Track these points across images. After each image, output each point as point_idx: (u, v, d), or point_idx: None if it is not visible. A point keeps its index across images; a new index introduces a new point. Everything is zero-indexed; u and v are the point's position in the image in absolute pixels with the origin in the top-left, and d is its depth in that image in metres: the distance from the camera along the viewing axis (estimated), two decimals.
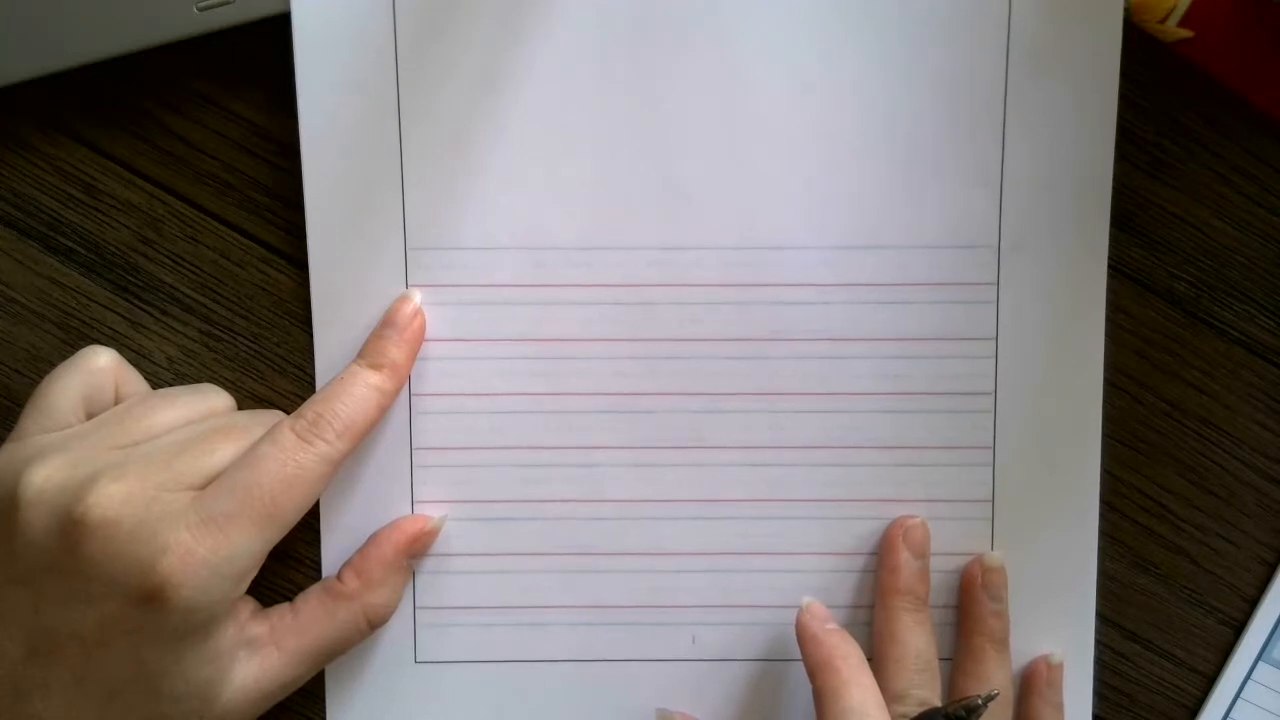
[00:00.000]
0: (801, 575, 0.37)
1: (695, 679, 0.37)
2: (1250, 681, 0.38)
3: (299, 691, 0.35)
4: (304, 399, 0.34)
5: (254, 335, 0.37)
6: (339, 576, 0.36)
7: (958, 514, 0.37)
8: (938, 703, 0.34)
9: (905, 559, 0.36)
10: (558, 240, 0.36)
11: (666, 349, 0.37)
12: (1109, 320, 0.37)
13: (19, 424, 0.34)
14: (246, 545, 0.31)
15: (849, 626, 0.36)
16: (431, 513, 0.37)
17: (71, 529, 0.30)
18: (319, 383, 0.36)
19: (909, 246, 0.36)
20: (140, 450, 0.32)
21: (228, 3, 0.34)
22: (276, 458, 0.32)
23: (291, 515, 0.32)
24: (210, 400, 0.35)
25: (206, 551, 0.30)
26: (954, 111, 0.36)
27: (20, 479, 0.31)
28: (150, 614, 0.30)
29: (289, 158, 0.36)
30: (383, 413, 0.35)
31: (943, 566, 0.37)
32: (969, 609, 0.36)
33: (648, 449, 0.37)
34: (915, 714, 0.33)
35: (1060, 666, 0.37)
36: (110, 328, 0.37)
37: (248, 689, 0.33)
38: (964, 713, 0.32)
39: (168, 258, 0.37)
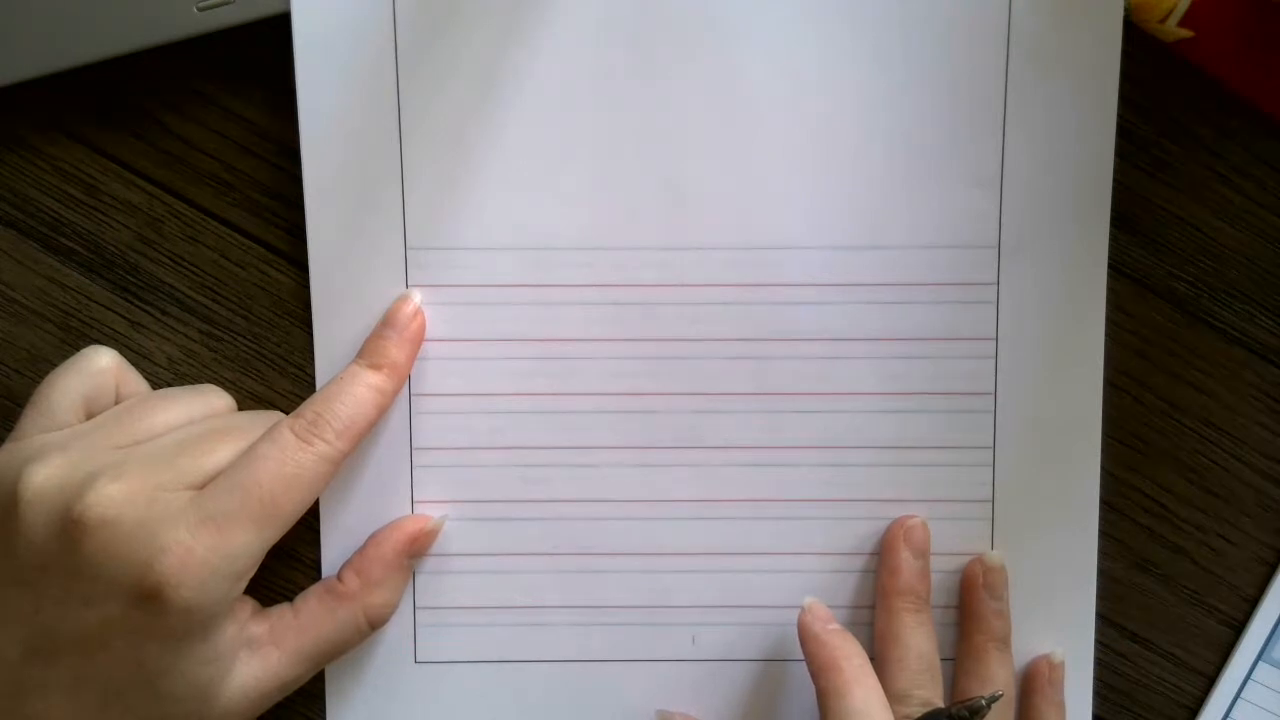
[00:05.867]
0: (802, 575, 0.37)
1: (695, 679, 0.37)
2: (1250, 681, 0.38)
3: (299, 691, 0.35)
4: (304, 399, 0.34)
5: (254, 335, 0.37)
6: (339, 576, 0.35)
7: (958, 514, 0.37)
8: (940, 703, 0.34)
9: (906, 559, 0.36)
10: (558, 240, 0.36)
11: (667, 349, 0.37)
12: (1109, 320, 0.37)
13: (19, 424, 0.34)
14: (246, 545, 0.31)
15: (850, 627, 0.36)
16: (431, 513, 0.37)
17: (71, 528, 0.30)
18: (319, 383, 0.36)
19: (909, 247, 0.36)
20: (140, 450, 0.32)
21: (228, 3, 0.34)
22: (276, 457, 0.32)
23: (291, 515, 0.32)
24: (210, 400, 0.35)
25: (205, 551, 0.30)
26: (954, 111, 0.36)
27: (20, 478, 0.31)
28: (149, 614, 0.30)
29: (289, 158, 0.36)
30: (382, 413, 0.35)
31: (943, 566, 0.37)
32: (971, 609, 0.36)
33: (648, 449, 0.37)
34: (919, 714, 0.33)
35: (1062, 665, 0.37)
36: (110, 328, 0.37)
37: (248, 689, 0.33)
38: (967, 713, 0.32)
39: (168, 258, 0.37)
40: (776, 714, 0.37)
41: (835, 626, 0.35)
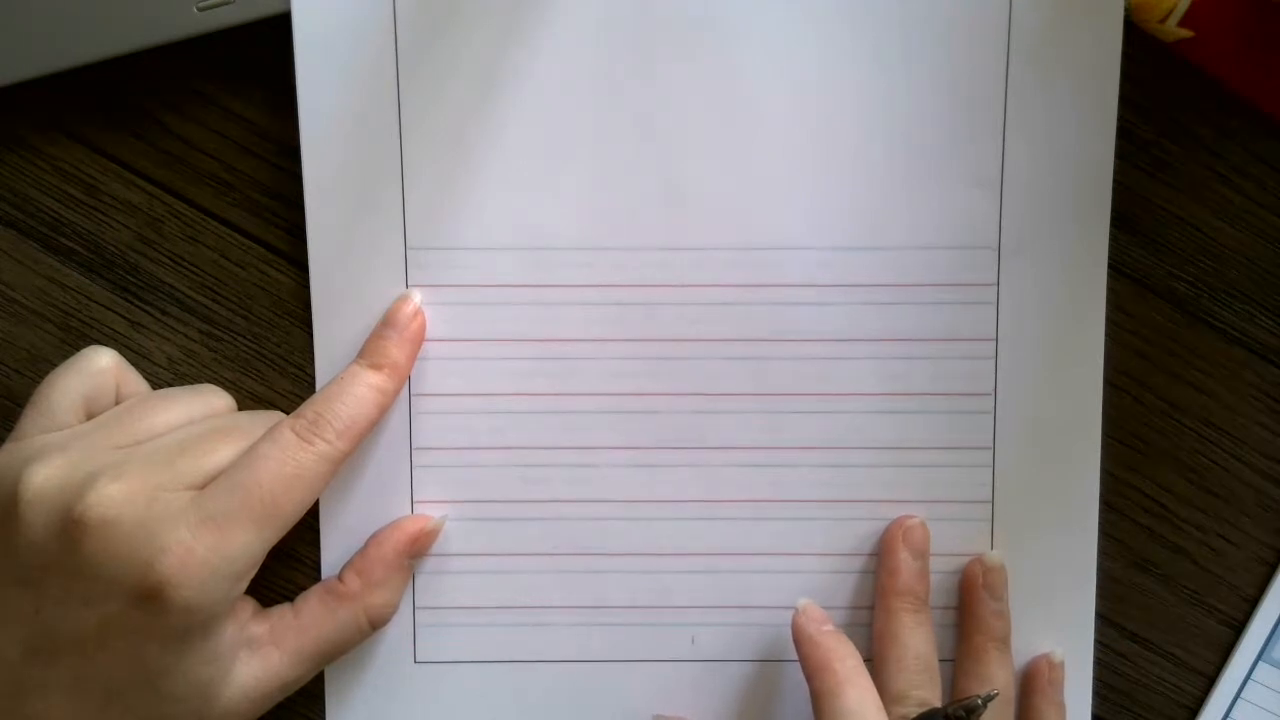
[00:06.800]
0: (801, 576, 0.37)
1: (694, 680, 0.37)
2: (1250, 681, 0.38)
3: (299, 691, 0.35)
4: (304, 399, 0.34)
5: (254, 335, 0.37)
6: (340, 577, 0.36)
7: (958, 514, 0.37)
8: (938, 703, 0.34)
9: (905, 559, 0.36)
10: (558, 240, 0.36)
11: (667, 349, 0.37)
12: (1109, 320, 0.37)
13: (19, 424, 0.34)
14: (246, 545, 0.31)
15: (848, 627, 0.36)
16: (431, 513, 0.37)
17: (71, 528, 0.30)
18: (319, 383, 0.36)
19: (909, 247, 0.36)
20: (140, 450, 0.32)
21: (228, 3, 0.34)
22: (276, 457, 0.32)
23: (291, 515, 0.32)
24: (210, 400, 0.35)
25: (206, 551, 0.30)
26: (954, 111, 0.36)
27: (20, 479, 0.31)
28: (150, 614, 0.30)
29: (289, 158, 0.36)
30: (383, 413, 0.35)
31: (943, 567, 0.37)
32: (971, 609, 0.36)
33: (648, 449, 0.37)
34: (915, 714, 0.33)
35: (1062, 665, 0.37)
36: (110, 328, 0.37)
37: (248, 689, 0.33)
38: (963, 713, 0.32)
39: (168, 258, 0.37)
40: (775, 714, 0.37)
41: (829, 628, 0.35)
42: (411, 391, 0.36)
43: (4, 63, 0.34)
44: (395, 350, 0.35)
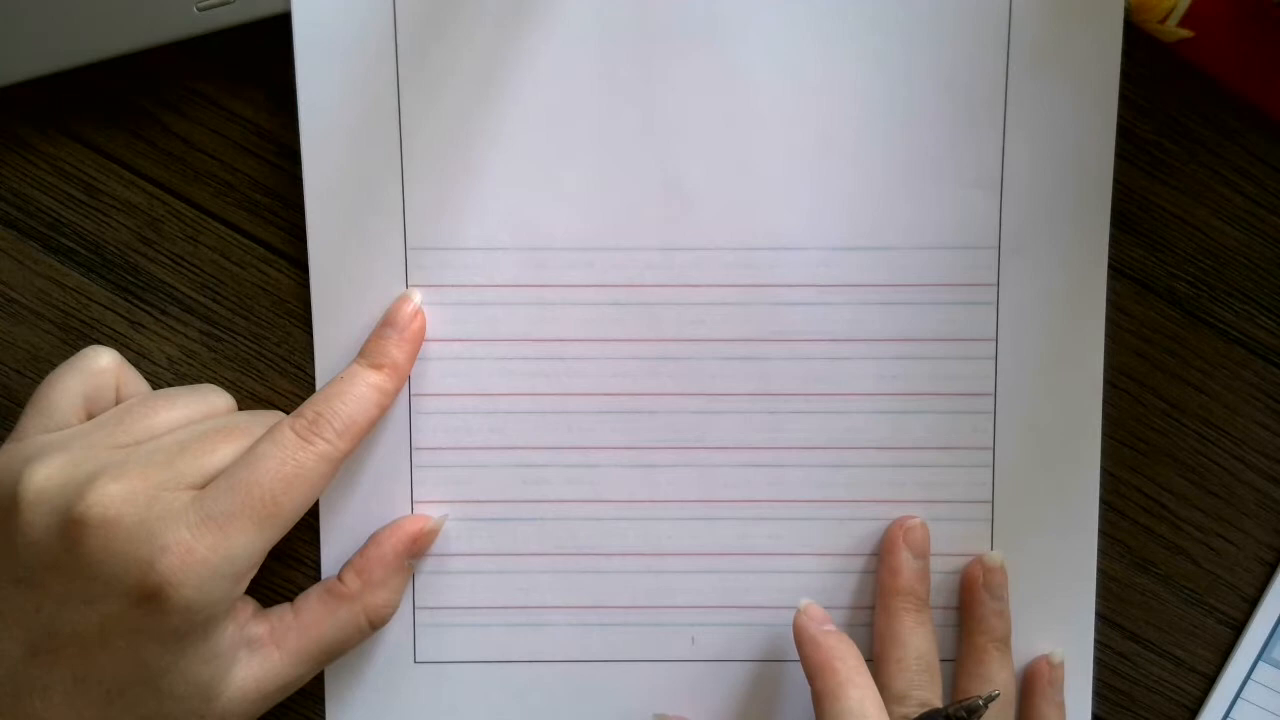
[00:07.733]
0: (801, 576, 0.37)
1: (694, 680, 0.37)
2: (1250, 681, 0.38)
3: (299, 691, 0.35)
4: (304, 399, 0.34)
5: (254, 335, 0.37)
6: (339, 577, 0.36)
7: (958, 514, 0.37)
8: (939, 703, 0.34)
9: (906, 559, 0.36)
10: (558, 240, 0.36)
11: (667, 349, 0.37)
12: (1109, 320, 0.37)
13: (19, 424, 0.34)
14: (246, 544, 0.31)
15: (849, 627, 0.36)
16: (431, 513, 0.37)
17: (72, 528, 0.30)
18: (319, 383, 0.36)
19: (909, 247, 0.36)
20: (141, 450, 0.32)
21: (228, 3, 0.34)
22: (277, 457, 0.32)
23: (291, 515, 0.32)
24: (210, 400, 0.35)
25: (206, 551, 0.30)
26: (954, 111, 0.36)
27: (21, 478, 0.31)
28: (150, 613, 0.30)
29: (289, 158, 0.36)
30: (383, 412, 0.35)
31: (943, 567, 0.37)
32: (971, 609, 0.36)
33: (648, 449, 0.37)
34: (916, 715, 0.33)
35: (1062, 666, 0.37)
36: (110, 328, 0.37)
37: (248, 689, 0.33)
38: (965, 713, 0.32)
39: (168, 258, 0.37)
40: (776, 714, 0.37)
41: (830, 628, 0.35)
42: (411, 391, 0.37)
43: (4, 63, 0.34)
44: (395, 350, 0.35)
